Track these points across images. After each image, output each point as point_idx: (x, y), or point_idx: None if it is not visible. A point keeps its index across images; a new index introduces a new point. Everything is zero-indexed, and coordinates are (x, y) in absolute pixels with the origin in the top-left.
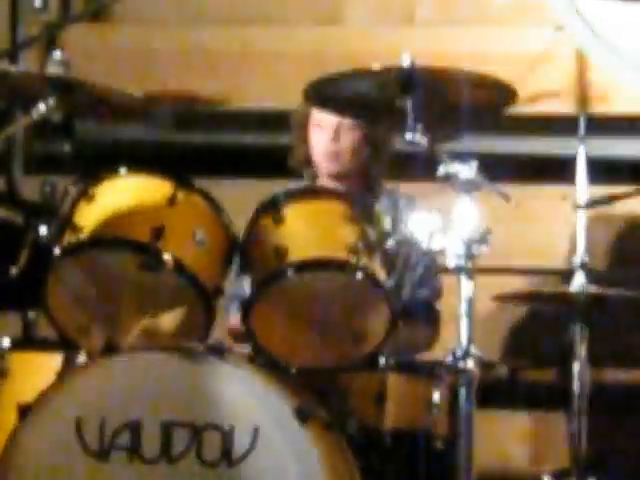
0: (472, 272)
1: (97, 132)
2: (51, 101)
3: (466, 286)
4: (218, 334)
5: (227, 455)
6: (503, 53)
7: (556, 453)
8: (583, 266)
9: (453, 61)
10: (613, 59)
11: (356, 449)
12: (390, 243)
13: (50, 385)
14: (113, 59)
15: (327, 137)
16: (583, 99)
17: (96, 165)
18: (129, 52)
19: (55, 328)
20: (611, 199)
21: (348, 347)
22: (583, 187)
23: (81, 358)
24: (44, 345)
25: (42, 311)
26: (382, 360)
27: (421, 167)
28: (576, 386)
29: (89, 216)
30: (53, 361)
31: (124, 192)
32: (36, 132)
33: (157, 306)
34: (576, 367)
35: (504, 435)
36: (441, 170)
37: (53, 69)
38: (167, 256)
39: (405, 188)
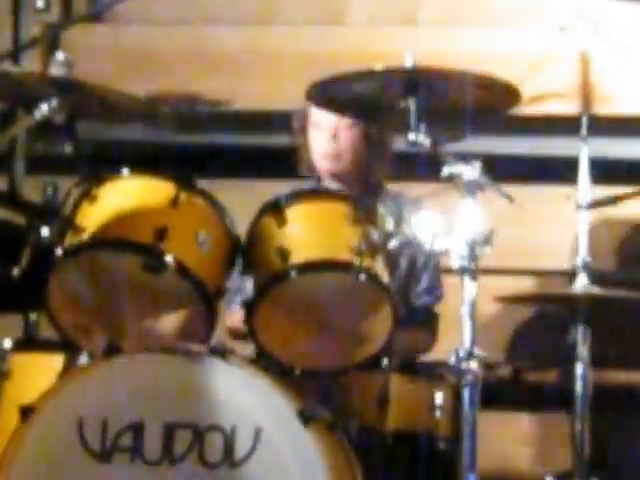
0: (475, 273)
1: (99, 133)
2: (53, 102)
3: (469, 287)
4: (219, 334)
5: (229, 456)
6: (506, 53)
7: (558, 454)
8: (586, 267)
9: (456, 62)
10: (617, 60)
11: (358, 450)
12: (393, 244)
13: (52, 386)
14: (115, 60)
15: (326, 137)
16: (586, 100)
17: (98, 166)
18: (131, 53)
19: (57, 329)
20: (615, 200)
21: (351, 348)
22: (586, 188)
23: (83, 359)
24: (46, 346)
25: (44, 312)
26: (385, 361)
27: (424, 168)
28: (579, 387)
29: (91, 217)
30: (55, 362)
31: (127, 193)
32: (38, 133)
33: (159, 307)
34: (579, 368)
35: (506, 436)
36: (444, 171)
37: (55, 70)
38: (169, 257)
39: (408, 189)
